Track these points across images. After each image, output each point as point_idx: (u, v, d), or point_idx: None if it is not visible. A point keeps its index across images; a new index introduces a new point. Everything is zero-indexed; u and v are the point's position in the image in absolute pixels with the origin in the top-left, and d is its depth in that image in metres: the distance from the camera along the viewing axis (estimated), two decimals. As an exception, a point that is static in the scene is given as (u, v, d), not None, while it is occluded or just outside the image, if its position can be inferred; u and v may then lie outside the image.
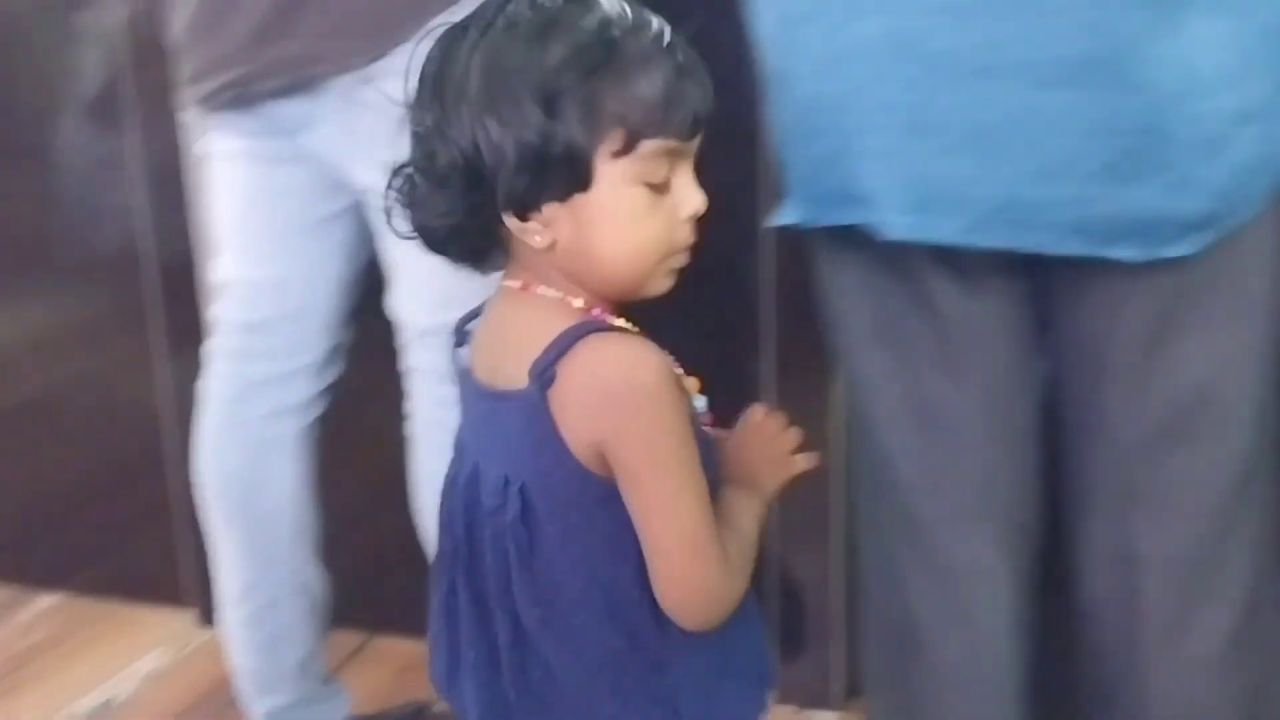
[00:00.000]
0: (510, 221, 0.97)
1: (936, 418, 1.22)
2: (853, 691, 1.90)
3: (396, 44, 1.35)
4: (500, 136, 0.93)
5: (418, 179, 0.98)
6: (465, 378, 1.07)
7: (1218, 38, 1.02)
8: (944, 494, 1.24)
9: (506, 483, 0.99)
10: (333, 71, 1.40)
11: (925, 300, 1.18)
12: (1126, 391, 1.16)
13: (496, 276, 1.05)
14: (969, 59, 1.03)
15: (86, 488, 2.27)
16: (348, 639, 2.09)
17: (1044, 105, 1.02)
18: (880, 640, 1.34)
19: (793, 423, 1.11)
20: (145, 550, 2.23)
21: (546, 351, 0.95)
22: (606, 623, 1.00)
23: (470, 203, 0.96)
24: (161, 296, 2.09)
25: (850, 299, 1.23)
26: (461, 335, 1.10)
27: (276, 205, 1.57)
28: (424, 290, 1.51)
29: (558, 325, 0.97)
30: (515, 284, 1.01)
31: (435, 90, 0.96)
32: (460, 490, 1.05)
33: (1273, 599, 1.24)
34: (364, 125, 1.42)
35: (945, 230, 1.08)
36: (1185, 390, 1.15)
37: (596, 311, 1.00)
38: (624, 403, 0.95)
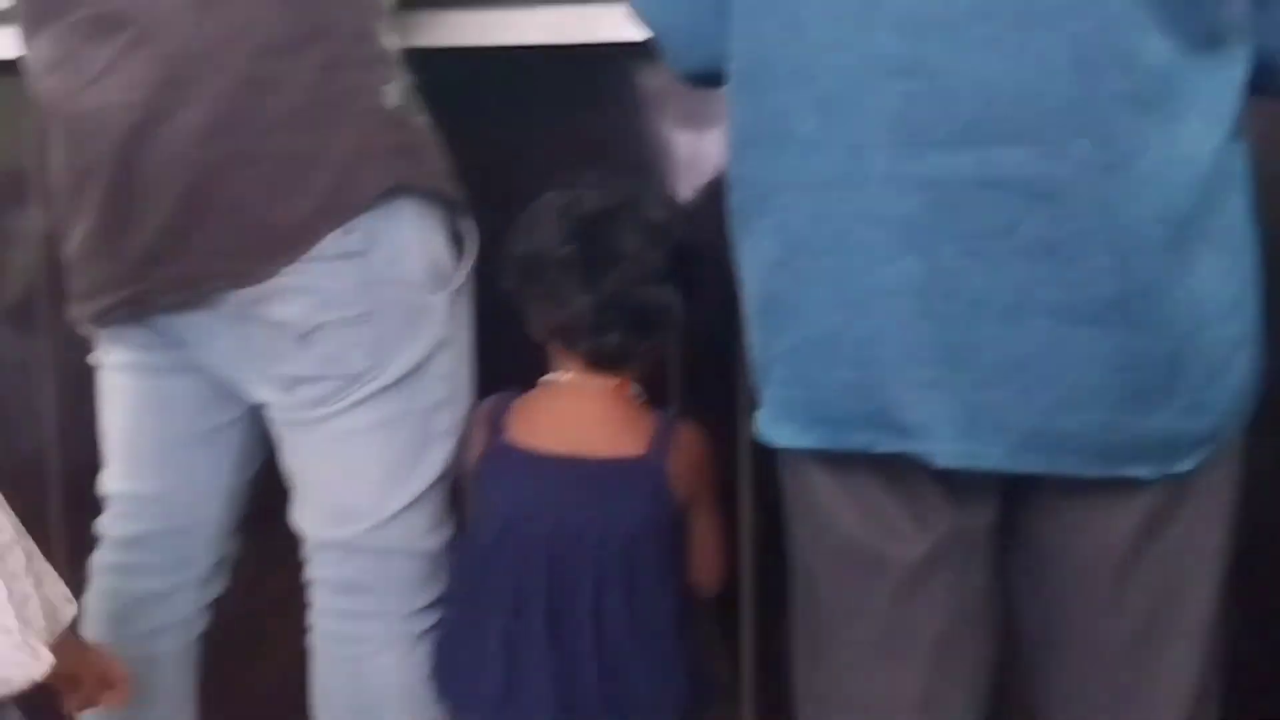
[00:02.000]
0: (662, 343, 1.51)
1: (901, 642, 1.24)
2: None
3: (288, 263, 1.36)
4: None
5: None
6: (517, 456, 1.47)
7: (1223, 272, 1.12)
8: (900, 716, 1.25)
9: (608, 527, 1.42)
10: (225, 287, 1.39)
11: (918, 516, 1.20)
12: (1110, 597, 1.21)
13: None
14: (1002, 298, 1.10)
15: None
16: None
17: (1073, 341, 1.09)
18: None
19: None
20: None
21: (660, 433, 1.45)
22: (678, 606, 1.47)
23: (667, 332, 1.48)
24: (64, 507, 2.04)
25: (825, 517, 1.25)
26: (497, 425, 1.49)
27: (164, 417, 1.55)
28: (323, 504, 1.50)
29: (641, 413, 1.48)
30: (612, 383, 1.47)
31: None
32: (539, 542, 1.43)
33: None
34: (258, 343, 1.42)
35: (990, 458, 1.13)
36: (1168, 588, 1.20)
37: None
38: (705, 464, 1.50)
